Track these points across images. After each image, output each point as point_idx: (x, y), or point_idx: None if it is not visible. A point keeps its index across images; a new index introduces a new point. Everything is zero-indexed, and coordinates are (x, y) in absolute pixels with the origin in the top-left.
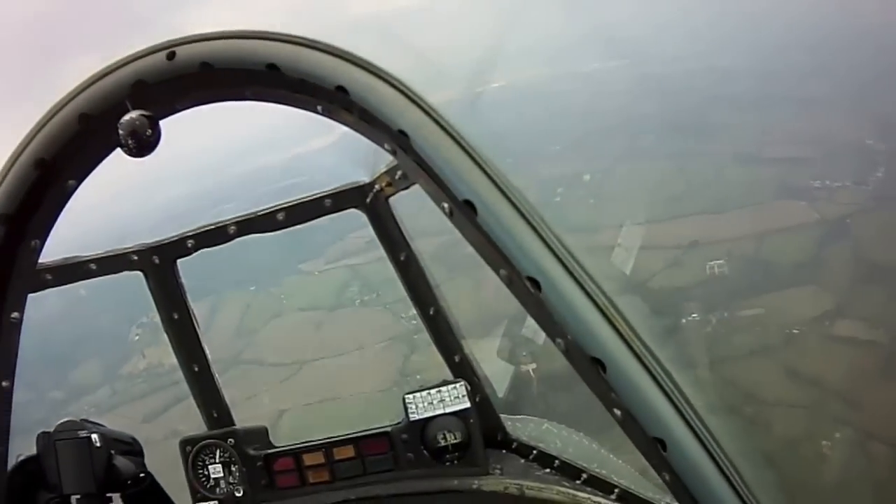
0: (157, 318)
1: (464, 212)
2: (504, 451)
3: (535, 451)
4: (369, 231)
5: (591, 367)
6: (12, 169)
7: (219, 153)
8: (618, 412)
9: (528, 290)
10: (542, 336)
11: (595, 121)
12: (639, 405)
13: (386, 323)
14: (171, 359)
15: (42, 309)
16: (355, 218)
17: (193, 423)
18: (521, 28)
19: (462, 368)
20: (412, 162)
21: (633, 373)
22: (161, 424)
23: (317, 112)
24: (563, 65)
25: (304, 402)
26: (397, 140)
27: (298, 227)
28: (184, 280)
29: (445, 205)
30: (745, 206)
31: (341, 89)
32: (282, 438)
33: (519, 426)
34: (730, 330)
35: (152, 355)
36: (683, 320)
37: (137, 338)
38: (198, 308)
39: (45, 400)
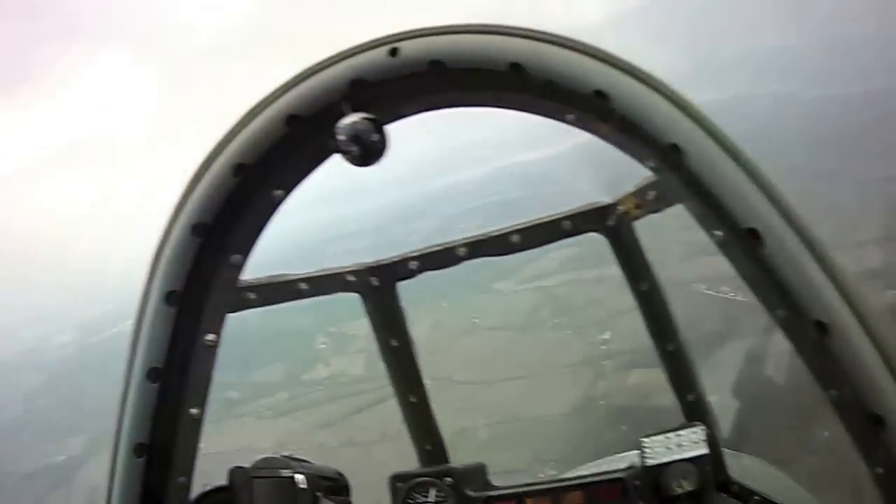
0: (344, 329)
1: (744, 243)
2: (724, 494)
3: (755, 497)
4: (562, 252)
5: (867, 423)
6: (206, 174)
7: (411, 165)
8: (880, 470)
9: (807, 334)
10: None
11: (774, 141)
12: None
13: (575, 347)
14: (355, 370)
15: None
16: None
17: (371, 434)
18: (686, 51)
19: (695, 409)
20: (680, 182)
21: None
22: (337, 432)
23: (564, 121)
24: (742, 87)
25: (486, 421)
26: (665, 156)
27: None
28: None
29: (718, 232)
30: None
31: (600, 94)
32: (460, 456)
33: (734, 462)
34: None
35: (336, 365)
36: None
37: (324, 346)
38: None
39: (219, 399)
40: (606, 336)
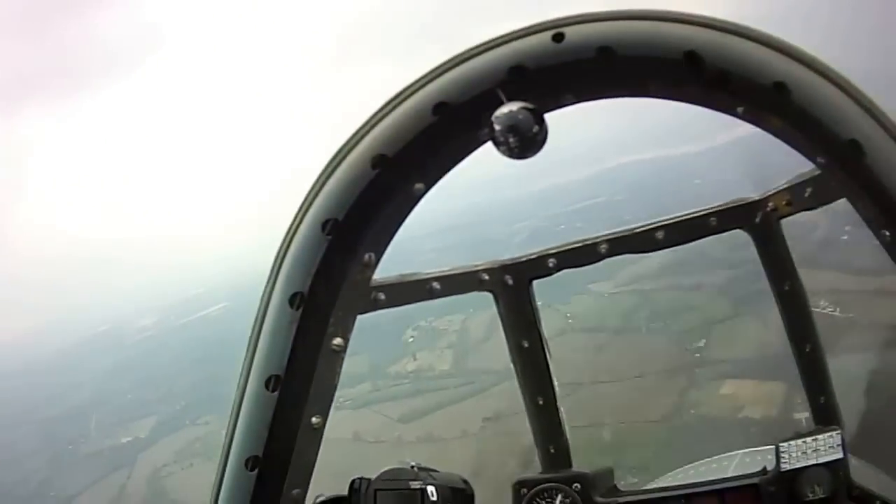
0: (436, 324)
1: None
2: (848, 500)
3: (877, 502)
4: (662, 257)
5: None
6: (342, 166)
7: (520, 166)
8: None
9: None
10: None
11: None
12: None
13: (669, 353)
14: (442, 365)
15: None
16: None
17: (450, 430)
18: None
19: (826, 412)
20: (852, 179)
21: None
22: (417, 427)
23: (734, 114)
24: None
25: (572, 424)
26: (840, 152)
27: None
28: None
29: (887, 233)
30: None
31: (780, 86)
32: (533, 458)
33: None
34: None
35: (423, 359)
36: None
37: (412, 340)
38: (481, 317)
39: None
40: (701, 344)
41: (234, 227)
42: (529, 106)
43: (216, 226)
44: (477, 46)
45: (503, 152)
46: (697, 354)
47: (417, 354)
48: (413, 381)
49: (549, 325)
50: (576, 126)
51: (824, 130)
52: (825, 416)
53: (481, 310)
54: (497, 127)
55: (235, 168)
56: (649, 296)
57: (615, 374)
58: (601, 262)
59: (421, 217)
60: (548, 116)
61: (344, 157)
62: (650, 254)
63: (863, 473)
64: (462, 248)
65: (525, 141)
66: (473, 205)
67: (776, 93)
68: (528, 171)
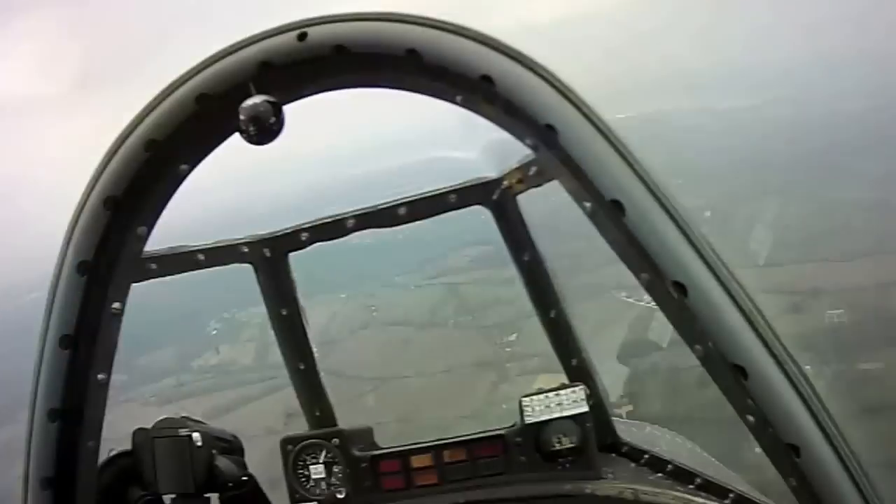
0: (238, 316)
1: (609, 213)
2: (614, 455)
3: (646, 456)
4: (474, 250)
5: (731, 374)
6: (121, 149)
7: (344, 151)
8: (751, 418)
9: (670, 295)
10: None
11: (721, 157)
12: (776, 412)
13: (478, 347)
14: (245, 359)
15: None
16: (460, 235)
17: (257, 426)
18: (653, 60)
19: (579, 372)
20: (555, 158)
21: (774, 380)
22: (223, 423)
23: (455, 102)
24: (696, 100)
25: (378, 419)
26: (542, 135)
27: (407, 236)
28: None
29: (588, 204)
30: (872, 254)
31: (486, 79)
32: None
33: (626, 429)
34: (848, 384)
35: (226, 353)
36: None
37: (215, 333)
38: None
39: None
40: (512, 338)
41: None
42: (270, 99)
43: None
44: (234, 44)
45: (245, 139)
46: (508, 349)
47: (220, 348)
48: (216, 375)
49: (353, 318)
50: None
51: (527, 116)
52: (579, 377)
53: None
54: (242, 117)
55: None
56: (458, 289)
57: (422, 369)
58: (412, 257)
59: (244, 206)
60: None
61: (123, 141)
62: (464, 248)
63: (644, 434)
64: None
65: (262, 130)
66: (295, 192)
67: (485, 83)
68: (348, 156)
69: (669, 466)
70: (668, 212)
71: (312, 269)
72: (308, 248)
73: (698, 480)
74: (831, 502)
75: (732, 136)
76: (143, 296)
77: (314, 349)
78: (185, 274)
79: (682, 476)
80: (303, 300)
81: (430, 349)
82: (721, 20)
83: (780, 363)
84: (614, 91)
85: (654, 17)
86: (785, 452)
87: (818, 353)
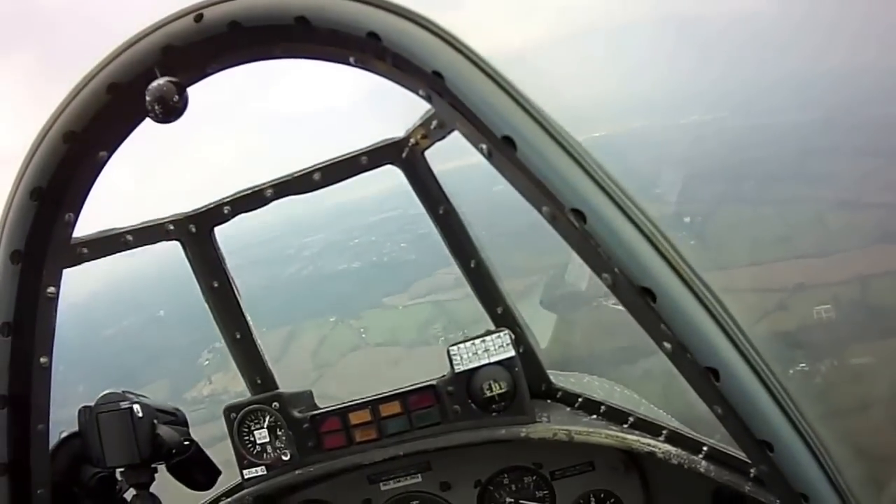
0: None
1: (503, 150)
2: (549, 400)
3: (580, 399)
4: (456, 269)
5: (640, 299)
6: (42, 143)
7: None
8: (667, 345)
9: (572, 224)
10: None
11: (695, 168)
12: (691, 334)
13: None
14: (237, 386)
15: (118, 326)
16: (446, 256)
17: None
18: (622, 81)
19: (505, 319)
20: (448, 105)
21: (684, 301)
22: (219, 452)
23: (349, 63)
24: (664, 118)
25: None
26: (432, 83)
27: (393, 258)
28: (223, 248)
29: (484, 146)
30: (847, 250)
31: (373, 35)
32: None
33: (562, 378)
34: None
35: (218, 382)
36: (791, 370)
37: (207, 363)
38: (275, 336)
39: None
40: None
41: None
42: (173, 79)
43: None
44: (138, 33)
45: (152, 118)
46: None
47: (213, 377)
48: (209, 405)
49: (342, 340)
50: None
51: (415, 66)
52: (505, 323)
53: (274, 328)
54: (147, 98)
55: None
56: (445, 307)
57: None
58: (392, 274)
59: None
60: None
61: (44, 135)
62: (448, 267)
63: (581, 381)
64: (261, 264)
65: (166, 109)
66: (265, 224)
67: (373, 41)
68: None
69: (603, 408)
70: (559, 142)
71: (300, 294)
72: (301, 274)
73: (631, 419)
74: (756, 425)
75: (700, 144)
76: (137, 337)
77: (248, 318)
78: (178, 311)
79: (615, 416)
80: (293, 326)
81: (419, 368)
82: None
83: (686, 283)
84: (585, 112)
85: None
86: (705, 377)
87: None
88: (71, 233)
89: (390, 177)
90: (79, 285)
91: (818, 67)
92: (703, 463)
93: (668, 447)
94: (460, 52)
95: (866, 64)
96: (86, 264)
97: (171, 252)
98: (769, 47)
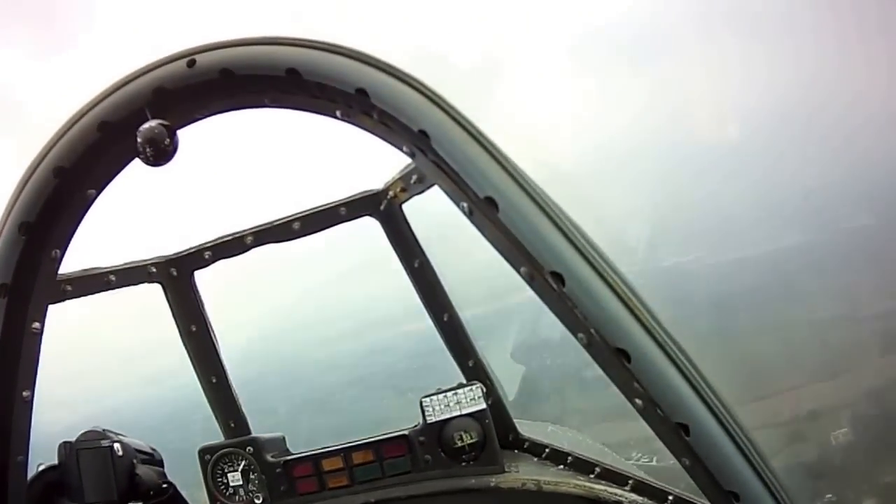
0: None
1: (485, 210)
2: (517, 451)
3: (547, 450)
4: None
5: (615, 359)
6: (32, 177)
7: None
8: (639, 401)
9: (550, 286)
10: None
11: (682, 309)
12: (663, 392)
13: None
14: None
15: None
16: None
17: None
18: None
19: (476, 372)
20: (431, 163)
21: (657, 361)
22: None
23: (336, 117)
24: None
25: None
26: (417, 141)
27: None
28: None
29: (465, 204)
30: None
31: (361, 91)
32: None
33: (528, 428)
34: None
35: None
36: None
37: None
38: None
39: None
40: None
41: None
42: (165, 122)
43: None
44: (131, 73)
45: (143, 161)
46: None
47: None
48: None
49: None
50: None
51: (401, 124)
52: (476, 377)
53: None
54: (139, 140)
55: None
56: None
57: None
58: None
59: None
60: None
61: (34, 170)
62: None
63: (548, 432)
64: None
65: (157, 152)
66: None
67: (361, 97)
68: (305, 346)
69: (570, 458)
70: (539, 205)
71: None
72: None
73: (598, 469)
74: (723, 477)
75: (683, 285)
76: (133, 423)
77: (224, 362)
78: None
79: (582, 466)
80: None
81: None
82: None
83: (660, 345)
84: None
85: None
86: (675, 432)
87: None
88: (57, 269)
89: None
90: None
91: (790, 190)
92: None
93: (634, 496)
94: (446, 112)
95: (837, 180)
96: None
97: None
98: (738, 176)
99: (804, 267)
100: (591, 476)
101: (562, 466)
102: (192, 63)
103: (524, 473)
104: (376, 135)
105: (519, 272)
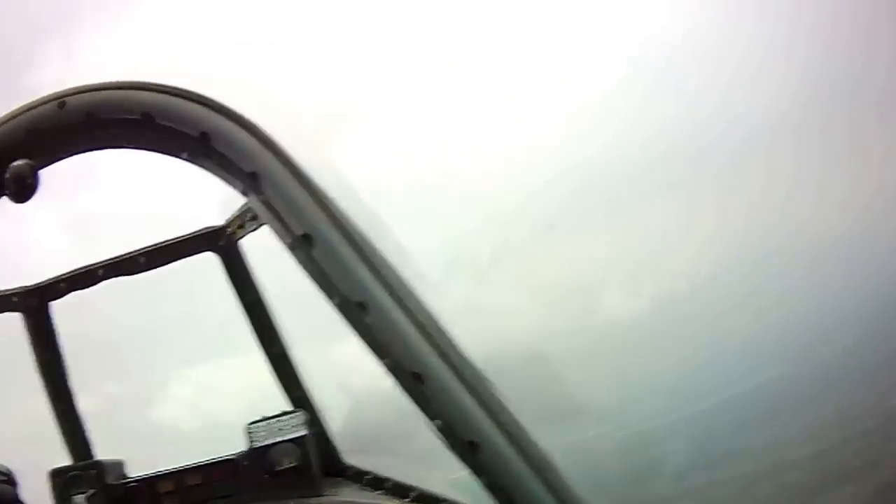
0: None
1: (303, 246)
2: (340, 478)
3: (368, 476)
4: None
5: (412, 382)
6: None
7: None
8: (438, 422)
9: (356, 314)
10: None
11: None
12: (453, 412)
13: None
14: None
15: None
16: None
17: None
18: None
19: (301, 402)
20: (261, 202)
21: (447, 383)
22: None
23: (183, 158)
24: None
25: None
26: (248, 181)
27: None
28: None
29: (288, 240)
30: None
31: (204, 135)
32: None
33: (353, 458)
34: None
35: None
36: None
37: None
38: None
39: None
40: None
41: None
42: (30, 162)
43: None
44: (6, 115)
45: (10, 198)
46: None
47: None
48: None
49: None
50: None
51: (236, 166)
52: (301, 405)
53: None
54: (7, 176)
55: None
56: None
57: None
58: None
59: None
60: None
61: None
62: None
63: (373, 461)
64: None
65: (21, 189)
66: None
67: (204, 139)
68: None
69: (389, 483)
70: (349, 240)
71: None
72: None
73: (414, 493)
74: (516, 492)
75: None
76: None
77: (73, 392)
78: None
79: (398, 491)
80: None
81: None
82: None
83: (453, 368)
84: None
85: None
86: (468, 449)
87: None
88: None
89: None
90: None
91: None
92: None
93: None
94: (275, 153)
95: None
96: None
97: None
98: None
99: (801, 399)
100: (406, 500)
101: (380, 491)
102: (62, 105)
103: (342, 496)
104: (215, 175)
105: (331, 302)
